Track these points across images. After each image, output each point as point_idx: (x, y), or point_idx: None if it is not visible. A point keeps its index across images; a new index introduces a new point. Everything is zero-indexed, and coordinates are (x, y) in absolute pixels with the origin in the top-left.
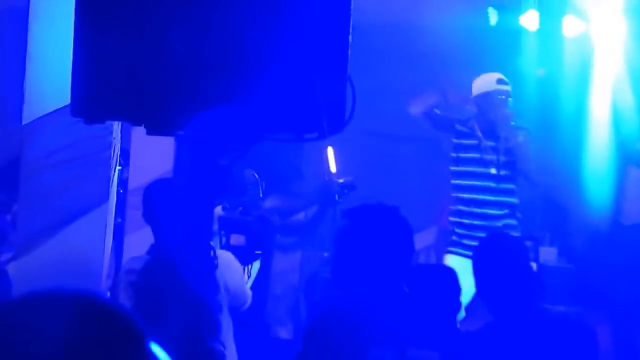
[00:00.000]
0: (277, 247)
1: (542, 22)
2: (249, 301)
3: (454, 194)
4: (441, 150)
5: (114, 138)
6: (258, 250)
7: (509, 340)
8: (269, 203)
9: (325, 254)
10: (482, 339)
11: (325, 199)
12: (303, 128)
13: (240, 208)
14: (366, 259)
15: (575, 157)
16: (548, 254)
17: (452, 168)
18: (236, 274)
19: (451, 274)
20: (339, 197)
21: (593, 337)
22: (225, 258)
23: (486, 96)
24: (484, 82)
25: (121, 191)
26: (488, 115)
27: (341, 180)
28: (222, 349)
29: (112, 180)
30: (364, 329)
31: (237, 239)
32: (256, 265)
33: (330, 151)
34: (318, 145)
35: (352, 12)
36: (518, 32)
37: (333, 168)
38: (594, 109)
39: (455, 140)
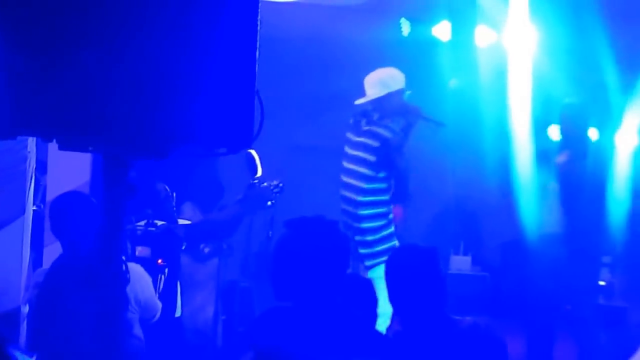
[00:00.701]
0: (194, 257)
1: (454, 33)
2: (159, 313)
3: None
4: None
5: (29, 152)
6: (164, 261)
7: (415, 350)
8: (186, 214)
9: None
10: (391, 349)
11: (252, 202)
12: (212, 143)
13: (146, 220)
14: (304, 269)
15: (491, 168)
16: (462, 262)
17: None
18: (147, 286)
19: (367, 284)
20: (271, 201)
21: (502, 347)
22: (136, 271)
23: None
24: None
25: (42, 206)
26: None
27: (273, 183)
28: None
29: (28, 194)
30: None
31: (142, 251)
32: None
33: (254, 155)
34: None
35: (259, 27)
36: (431, 43)
37: (259, 171)
38: (510, 119)
39: None
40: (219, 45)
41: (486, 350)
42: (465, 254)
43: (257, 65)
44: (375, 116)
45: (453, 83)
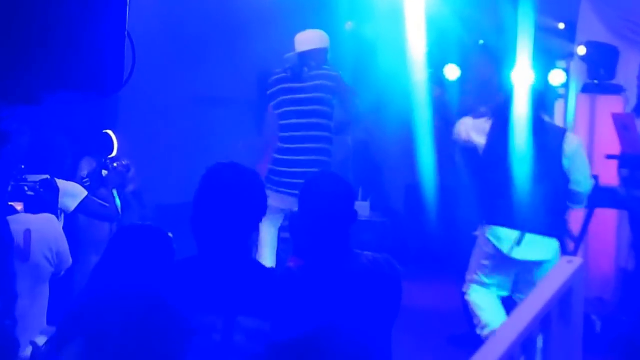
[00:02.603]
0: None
1: None
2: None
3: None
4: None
5: None
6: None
7: (316, 282)
8: (84, 168)
9: None
10: (292, 282)
11: (111, 183)
12: (83, 88)
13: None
14: (221, 217)
15: (389, 112)
16: (360, 208)
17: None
18: (62, 238)
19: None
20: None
21: (399, 279)
22: (51, 220)
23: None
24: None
25: None
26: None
27: (123, 162)
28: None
29: None
30: (194, 298)
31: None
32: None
33: (111, 134)
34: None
35: None
36: None
37: (114, 151)
38: (408, 61)
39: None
40: None
41: (385, 282)
42: (363, 199)
43: (127, 7)
44: (313, 64)
45: (349, 26)
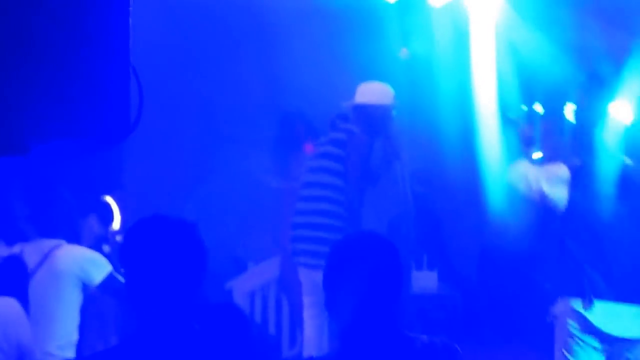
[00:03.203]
0: None
1: None
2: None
3: None
4: None
5: None
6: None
7: None
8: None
9: None
10: None
11: None
12: (80, 136)
13: None
14: (156, 283)
15: (453, 158)
16: (426, 279)
17: None
18: (24, 326)
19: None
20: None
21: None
22: (11, 306)
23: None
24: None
25: None
26: None
27: (118, 239)
28: None
29: None
30: None
31: None
32: None
33: (111, 202)
34: None
35: None
36: (373, 4)
37: (116, 223)
38: (476, 96)
39: None
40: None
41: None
42: (429, 268)
43: (130, 39)
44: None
45: (404, 53)
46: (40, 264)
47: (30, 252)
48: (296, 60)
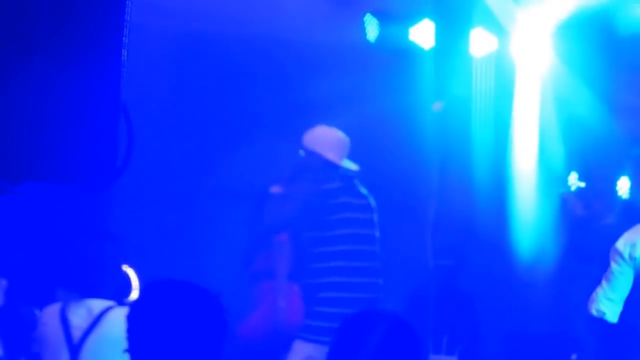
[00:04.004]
0: None
1: (440, 37)
2: None
3: None
4: None
5: None
6: None
7: None
8: None
9: None
10: None
11: None
12: (62, 179)
13: None
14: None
15: (488, 229)
16: None
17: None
18: None
19: None
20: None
21: None
22: None
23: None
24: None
25: None
26: None
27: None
28: None
29: None
30: None
31: None
32: None
33: (130, 272)
34: None
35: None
36: (406, 51)
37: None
38: (517, 157)
39: None
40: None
41: None
42: (448, 352)
43: (122, 78)
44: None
45: (437, 107)
46: (93, 326)
47: (75, 310)
48: (315, 106)
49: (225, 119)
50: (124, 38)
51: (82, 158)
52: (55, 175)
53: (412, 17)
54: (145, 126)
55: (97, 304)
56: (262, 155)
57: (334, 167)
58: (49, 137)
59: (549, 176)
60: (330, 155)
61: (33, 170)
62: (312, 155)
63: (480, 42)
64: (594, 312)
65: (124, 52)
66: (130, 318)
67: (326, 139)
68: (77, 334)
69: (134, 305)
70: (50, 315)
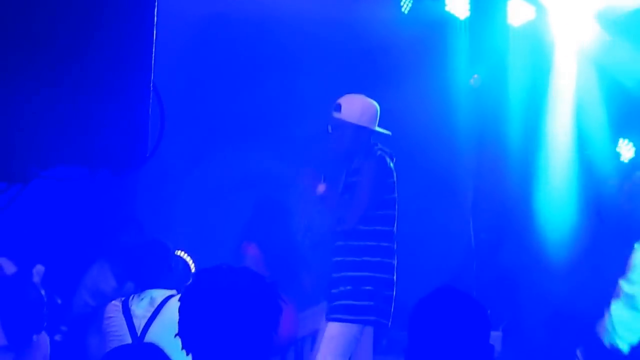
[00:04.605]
0: None
1: (475, 7)
2: None
3: None
4: None
5: None
6: None
7: None
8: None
9: None
10: None
11: None
12: (89, 163)
13: None
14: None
15: (528, 198)
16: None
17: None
18: None
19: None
20: None
21: None
22: None
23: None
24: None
25: None
26: None
27: None
28: None
29: None
30: None
31: None
32: None
33: (188, 259)
34: None
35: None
36: (442, 22)
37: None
38: (555, 130)
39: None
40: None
41: None
42: (495, 327)
43: (153, 61)
44: None
45: (475, 80)
46: (155, 315)
47: (137, 302)
48: (348, 82)
49: (255, 102)
50: (154, 18)
51: (113, 142)
52: (86, 159)
53: None
54: (176, 110)
55: (159, 294)
56: (294, 136)
57: (384, 139)
58: (78, 121)
59: (585, 147)
60: (376, 128)
61: (63, 154)
62: (361, 130)
63: (517, 11)
64: None
65: (154, 34)
66: (183, 303)
67: (369, 110)
68: (140, 323)
69: (187, 291)
70: (114, 308)
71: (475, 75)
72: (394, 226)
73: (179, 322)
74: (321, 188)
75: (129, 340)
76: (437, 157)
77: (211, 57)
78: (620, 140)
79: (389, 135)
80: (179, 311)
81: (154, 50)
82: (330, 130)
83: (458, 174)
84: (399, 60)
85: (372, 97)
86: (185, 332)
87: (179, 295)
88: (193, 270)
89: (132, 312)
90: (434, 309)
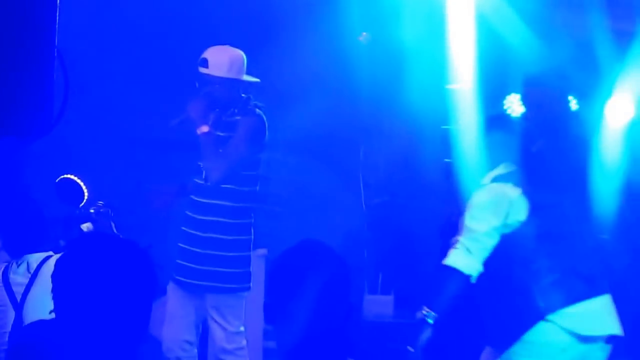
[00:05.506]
0: None
1: None
2: None
3: None
4: None
5: None
6: None
7: None
8: None
9: None
10: None
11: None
12: None
13: None
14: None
15: (423, 163)
16: (381, 305)
17: None
18: None
19: None
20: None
21: None
22: None
23: None
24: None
25: None
26: None
27: (99, 204)
28: None
29: None
30: None
31: None
32: None
33: (76, 179)
34: None
35: None
36: None
37: (85, 196)
38: (449, 89)
39: None
40: None
41: None
42: (384, 292)
43: (57, 23)
44: None
45: (364, 37)
46: (32, 280)
47: (16, 269)
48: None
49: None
50: None
51: (16, 108)
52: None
53: None
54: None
55: (35, 257)
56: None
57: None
58: None
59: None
60: (245, 77)
61: None
62: (230, 82)
63: None
64: None
65: None
66: (56, 273)
67: (237, 61)
68: (19, 291)
69: (59, 261)
70: None
71: (364, 34)
72: (256, 186)
73: (52, 290)
74: (204, 129)
75: (12, 311)
76: (325, 116)
77: None
78: (512, 96)
79: (258, 82)
80: (52, 278)
81: (57, 13)
82: (197, 86)
83: (346, 135)
84: (286, 16)
85: (249, 51)
86: (58, 299)
87: (55, 256)
88: (86, 196)
89: (11, 281)
90: (292, 262)
